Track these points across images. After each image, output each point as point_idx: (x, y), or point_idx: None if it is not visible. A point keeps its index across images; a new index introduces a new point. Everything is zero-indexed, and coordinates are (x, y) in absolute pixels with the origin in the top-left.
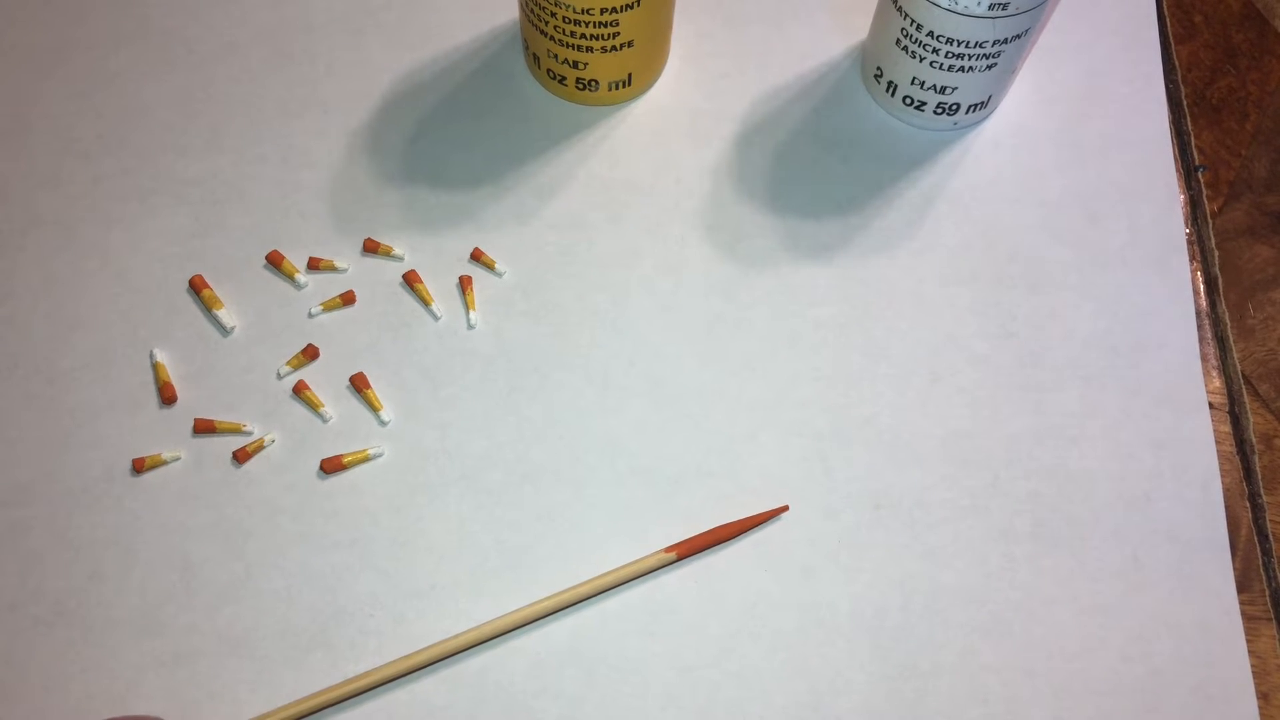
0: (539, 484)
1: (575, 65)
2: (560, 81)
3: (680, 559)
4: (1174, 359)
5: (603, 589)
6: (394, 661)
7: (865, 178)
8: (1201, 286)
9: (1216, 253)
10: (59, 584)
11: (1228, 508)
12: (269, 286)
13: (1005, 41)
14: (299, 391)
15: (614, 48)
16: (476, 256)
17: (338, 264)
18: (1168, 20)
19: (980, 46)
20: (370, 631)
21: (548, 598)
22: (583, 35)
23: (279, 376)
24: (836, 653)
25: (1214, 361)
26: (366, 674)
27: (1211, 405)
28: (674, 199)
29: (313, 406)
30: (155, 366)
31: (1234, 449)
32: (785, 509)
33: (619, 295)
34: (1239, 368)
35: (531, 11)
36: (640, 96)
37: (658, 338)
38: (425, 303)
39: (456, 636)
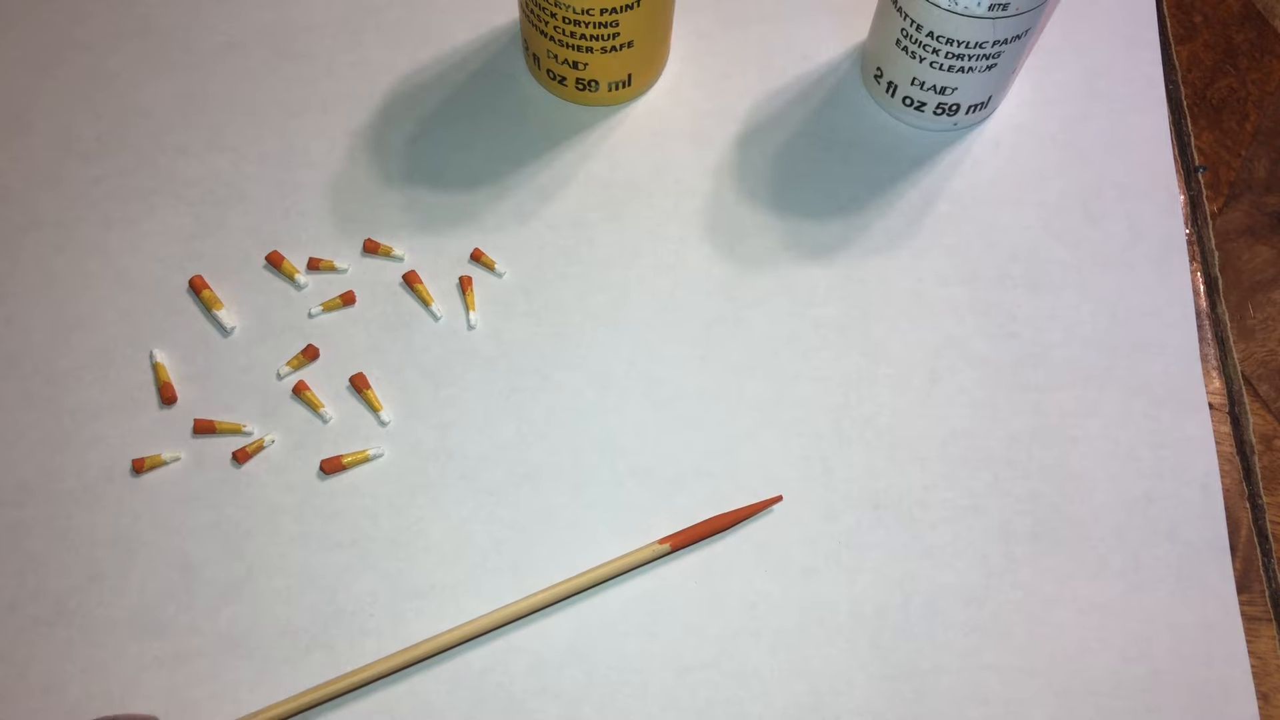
0: (539, 484)
1: (575, 65)
2: (560, 82)
3: (675, 550)
4: (1174, 359)
5: (597, 581)
6: (391, 655)
7: (865, 178)
8: (1201, 287)
9: (1216, 253)
10: (59, 584)
11: (1228, 508)
12: (269, 287)
13: (1005, 42)
14: (299, 392)
15: (614, 48)
16: (476, 257)
17: (338, 264)
18: (1168, 20)
19: (980, 47)
20: (370, 631)
21: (541, 591)
22: (583, 36)
23: (279, 377)
24: (836, 653)
25: (1214, 362)
26: (364, 668)
27: (1211, 406)
28: (674, 199)
29: (313, 407)
30: (155, 367)
31: (1234, 449)
32: (779, 499)
33: (619, 295)
34: (1239, 368)
35: (531, 12)
36: (640, 97)
37: (657, 338)
38: (425, 303)
39: (451, 631)
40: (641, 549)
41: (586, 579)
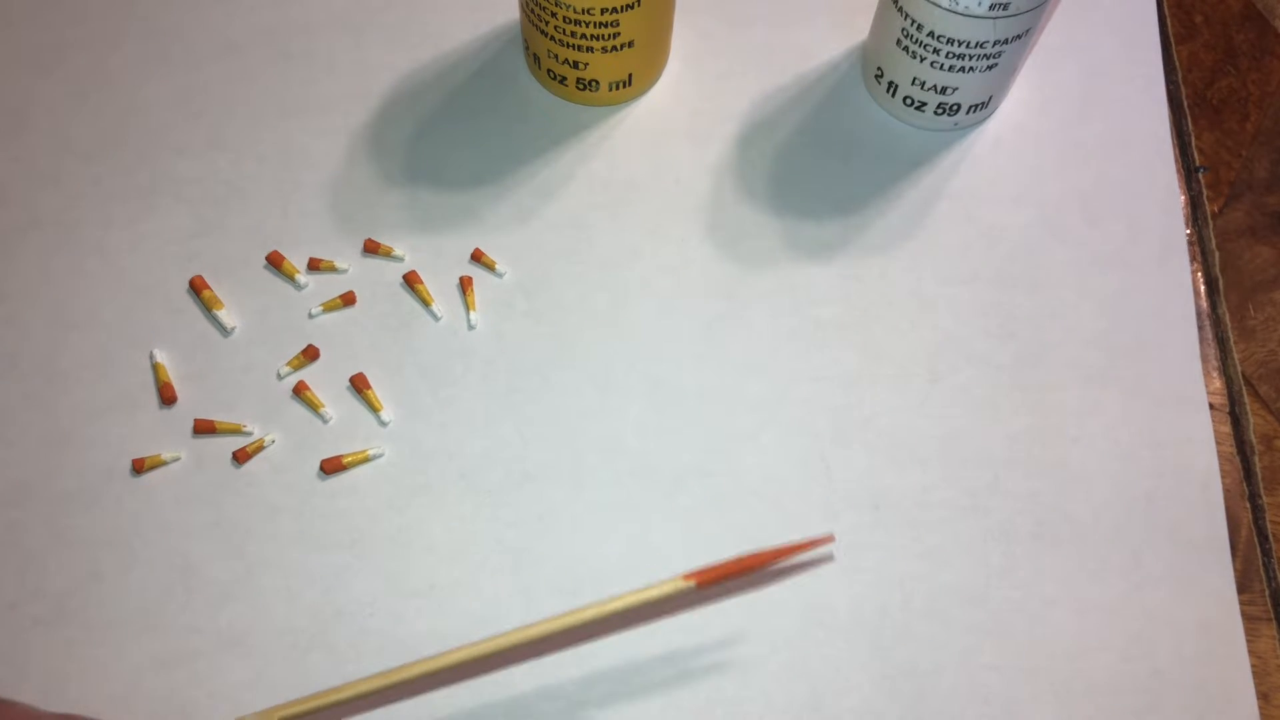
0: (539, 484)
1: (575, 65)
2: (560, 81)
3: (701, 587)
4: (1174, 359)
5: (621, 610)
6: (427, 659)
7: (865, 178)
8: (1202, 287)
9: (1217, 253)
10: (59, 584)
11: (1228, 508)
12: (269, 287)
13: (1005, 42)
14: (299, 392)
15: (614, 48)
16: (477, 257)
17: (338, 264)
18: (1168, 20)
19: (980, 47)
20: (370, 631)
21: (573, 612)
22: (583, 35)
23: (279, 377)
24: (836, 652)
25: (1214, 362)
26: (407, 666)
27: (1212, 406)
28: (674, 199)
29: (313, 407)
30: (155, 366)
31: (1234, 450)
32: (830, 539)
33: (619, 295)
34: (1239, 368)
35: (532, 12)
36: (641, 97)
37: (658, 338)
38: (425, 303)
39: (485, 641)
40: (665, 584)
41: (611, 607)
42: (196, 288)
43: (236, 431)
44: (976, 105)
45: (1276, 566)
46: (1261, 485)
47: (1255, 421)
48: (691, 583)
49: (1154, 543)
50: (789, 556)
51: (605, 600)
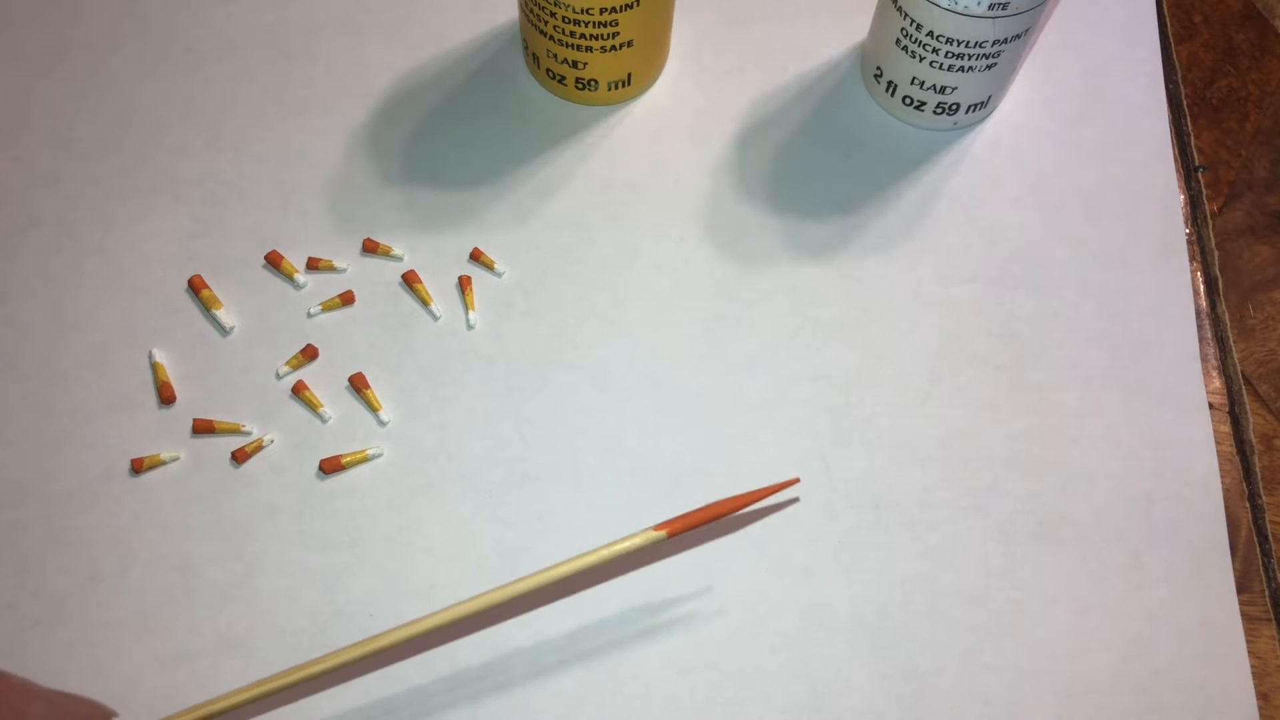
0: (539, 484)
1: (575, 65)
2: (560, 81)
3: (671, 536)
4: (1174, 359)
5: (594, 564)
6: (381, 635)
7: (865, 177)
8: (1201, 286)
9: (1216, 253)
10: (58, 584)
11: (1228, 508)
12: (268, 286)
13: (1005, 41)
14: (298, 391)
15: (613, 47)
16: (476, 256)
17: (337, 264)
18: (1168, 20)
19: (980, 46)
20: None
21: (539, 572)
22: (582, 35)
23: (278, 376)
24: (836, 653)
25: (1214, 362)
26: (345, 649)
27: (1211, 405)
28: (674, 198)
29: (312, 407)
30: (154, 366)
31: (1234, 449)
32: (795, 481)
33: (619, 295)
34: (1239, 368)
35: (531, 11)
36: (640, 96)
37: (657, 338)
38: (425, 303)
39: (448, 609)
40: (637, 535)
41: (598, 556)
42: (195, 287)
43: (235, 431)
44: (976, 105)
45: (1276, 566)
46: (1261, 485)
47: (1255, 421)
48: (662, 533)
49: (1154, 543)
50: (755, 502)
51: (580, 555)
